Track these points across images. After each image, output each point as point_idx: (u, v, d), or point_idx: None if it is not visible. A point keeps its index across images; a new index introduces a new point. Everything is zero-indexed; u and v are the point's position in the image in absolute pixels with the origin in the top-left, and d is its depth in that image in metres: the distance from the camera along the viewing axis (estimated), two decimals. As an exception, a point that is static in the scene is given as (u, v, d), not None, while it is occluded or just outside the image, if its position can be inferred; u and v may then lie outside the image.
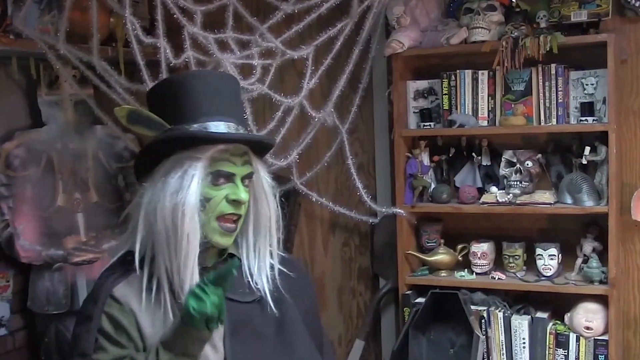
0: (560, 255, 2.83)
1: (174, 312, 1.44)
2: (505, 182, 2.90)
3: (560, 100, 2.76)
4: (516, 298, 2.94)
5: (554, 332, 2.81)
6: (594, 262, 2.75)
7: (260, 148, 1.58)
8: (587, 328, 2.75)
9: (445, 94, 2.94)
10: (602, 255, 2.76)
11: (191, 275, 1.44)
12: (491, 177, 2.97)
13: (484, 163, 2.98)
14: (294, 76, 3.05)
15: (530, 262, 2.90)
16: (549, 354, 2.80)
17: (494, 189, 2.90)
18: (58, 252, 3.02)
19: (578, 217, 2.81)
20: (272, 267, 1.61)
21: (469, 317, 2.72)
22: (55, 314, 3.05)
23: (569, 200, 2.78)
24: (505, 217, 2.95)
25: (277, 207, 1.60)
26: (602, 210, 2.69)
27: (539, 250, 2.84)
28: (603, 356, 2.73)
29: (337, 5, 2.63)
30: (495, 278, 2.90)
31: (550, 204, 2.80)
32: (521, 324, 2.83)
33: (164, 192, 1.44)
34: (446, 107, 2.95)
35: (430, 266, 3.03)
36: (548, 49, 2.65)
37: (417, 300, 2.96)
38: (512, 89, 2.84)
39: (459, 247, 3.00)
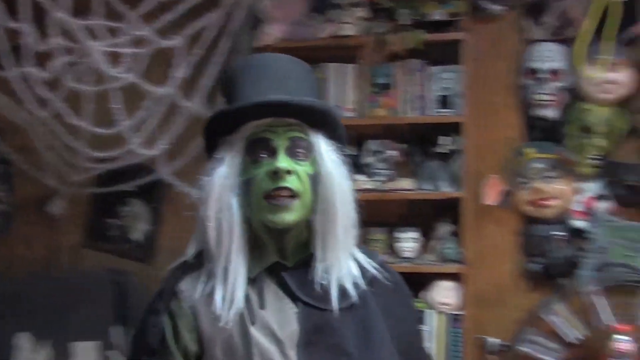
0: (419, 238, 3.03)
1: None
2: (370, 170, 3.05)
3: (420, 94, 2.94)
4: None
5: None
6: (450, 243, 2.98)
7: (316, 119, 1.32)
8: (444, 304, 2.97)
9: (313, 86, 3.03)
10: (458, 237, 2.98)
11: (235, 281, 1.28)
12: (357, 165, 3.10)
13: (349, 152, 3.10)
14: (165, 66, 3.01)
15: (392, 245, 3.07)
16: (411, 330, 2.99)
17: (360, 177, 3.04)
18: None
19: (436, 202, 3.02)
20: (358, 266, 1.38)
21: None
22: None
23: (428, 186, 2.99)
24: (369, 203, 3.06)
25: (348, 188, 1.36)
26: (458, 196, 2.92)
27: (400, 234, 3.02)
28: (458, 330, 2.97)
29: (209, -5, 2.65)
30: (360, 261, 3.04)
31: (411, 190, 2.99)
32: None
33: (203, 188, 1.32)
34: (313, 98, 3.04)
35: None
36: (410, 45, 2.82)
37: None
38: (376, 82, 2.99)
39: (325, 233, 3.10)
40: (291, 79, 1.33)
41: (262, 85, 1.30)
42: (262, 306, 1.30)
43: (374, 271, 1.39)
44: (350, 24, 2.91)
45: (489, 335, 3.14)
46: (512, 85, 3.04)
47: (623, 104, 2.90)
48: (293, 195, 1.28)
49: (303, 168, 1.30)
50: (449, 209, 3.04)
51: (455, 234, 3.01)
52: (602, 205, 2.93)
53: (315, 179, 1.31)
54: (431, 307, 3.00)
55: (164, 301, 1.32)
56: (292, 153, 1.29)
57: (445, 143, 2.94)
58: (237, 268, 1.28)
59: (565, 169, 2.95)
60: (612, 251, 2.91)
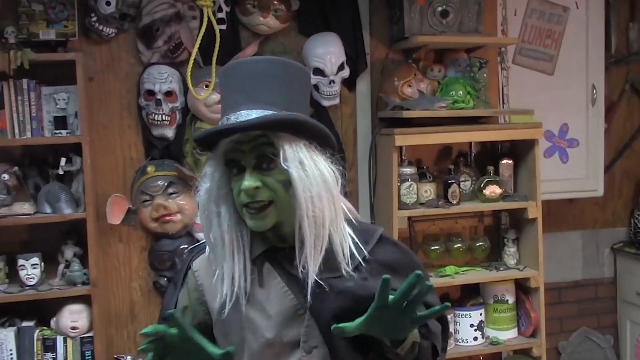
0: (42, 263, 2.93)
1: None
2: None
3: (34, 114, 2.86)
4: (1, 311, 2.94)
5: (41, 338, 2.91)
6: (76, 265, 2.94)
7: (284, 125, 1.41)
8: (73, 328, 2.92)
9: None
10: (84, 259, 2.95)
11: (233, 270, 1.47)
12: (-35, 192, 2.89)
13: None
14: None
15: (14, 274, 2.93)
16: (37, 360, 2.89)
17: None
18: None
19: (58, 225, 2.95)
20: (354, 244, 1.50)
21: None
22: None
23: (48, 209, 2.90)
24: (-16, 231, 2.92)
25: (323, 182, 1.42)
26: (81, 217, 2.89)
27: (21, 261, 2.90)
28: (90, 352, 2.93)
29: None
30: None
31: (30, 214, 2.88)
32: (7, 335, 2.85)
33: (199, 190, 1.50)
34: None
35: None
36: (19, 65, 2.73)
37: None
38: (-18, 102, 2.83)
39: None
40: (274, 83, 1.43)
41: (243, 94, 1.42)
42: (261, 284, 1.48)
43: (357, 253, 1.49)
44: (-55, 41, 2.71)
45: (124, 354, 3.17)
46: (130, 105, 3.11)
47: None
48: (266, 204, 1.42)
49: (272, 178, 1.42)
50: (73, 231, 2.99)
51: (80, 256, 2.97)
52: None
53: (288, 182, 1.42)
54: (59, 333, 2.93)
55: (181, 275, 1.57)
56: (260, 168, 1.42)
57: (64, 164, 2.89)
58: (230, 264, 1.47)
59: (185, 184, 3.11)
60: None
